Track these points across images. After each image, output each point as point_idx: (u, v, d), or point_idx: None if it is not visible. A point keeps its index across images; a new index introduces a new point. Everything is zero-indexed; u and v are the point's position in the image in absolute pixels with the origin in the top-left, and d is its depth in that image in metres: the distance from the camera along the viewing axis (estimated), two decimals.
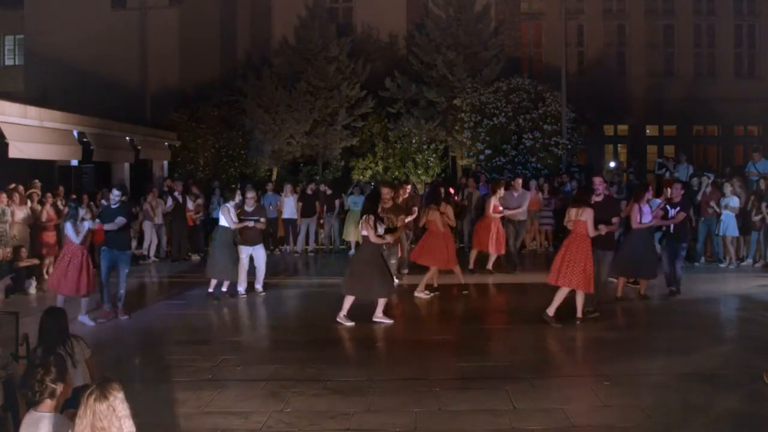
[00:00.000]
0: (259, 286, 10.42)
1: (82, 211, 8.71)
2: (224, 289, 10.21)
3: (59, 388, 3.33)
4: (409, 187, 11.64)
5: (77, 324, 8.30)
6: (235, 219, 10.08)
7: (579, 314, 8.14)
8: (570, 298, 8.15)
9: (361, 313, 8.89)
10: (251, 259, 10.38)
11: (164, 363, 7.11)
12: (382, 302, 8.44)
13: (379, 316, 8.42)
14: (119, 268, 8.99)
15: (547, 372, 6.46)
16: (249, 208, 10.28)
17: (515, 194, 12.27)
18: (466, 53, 19.92)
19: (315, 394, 5.86)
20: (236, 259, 10.17)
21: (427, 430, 5.10)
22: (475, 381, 6.15)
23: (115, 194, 9.09)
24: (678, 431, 5.02)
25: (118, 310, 8.98)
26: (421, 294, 9.91)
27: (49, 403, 3.30)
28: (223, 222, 10.18)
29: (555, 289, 8.13)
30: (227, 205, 10.31)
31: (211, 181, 17.10)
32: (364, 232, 8.32)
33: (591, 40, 22.52)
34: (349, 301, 8.36)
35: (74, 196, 9.78)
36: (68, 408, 3.46)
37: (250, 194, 10.35)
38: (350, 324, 8.31)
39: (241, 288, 10.25)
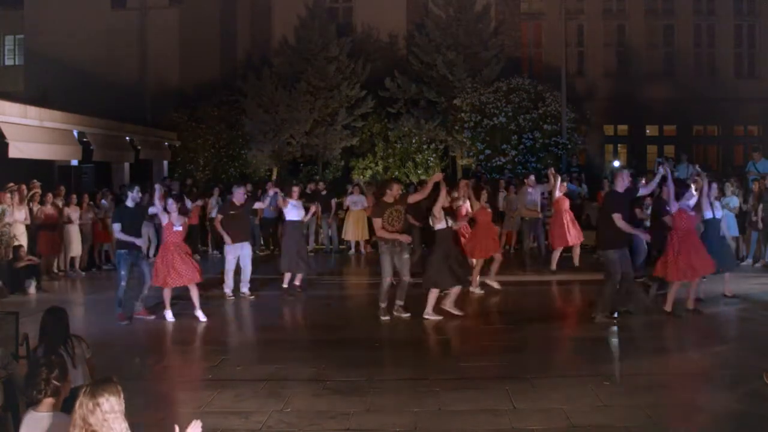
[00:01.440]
0: (245, 289, 10.14)
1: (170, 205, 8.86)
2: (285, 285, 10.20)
3: (62, 387, 3.36)
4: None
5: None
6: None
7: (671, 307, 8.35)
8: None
9: (361, 311, 8.93)
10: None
11: (164, 363, 7.15)
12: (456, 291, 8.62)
13: (449, 307, 8.63)
14: (142, 267, 8.96)
15: (547, 372, 6.46)
16: (238, 202, 10.28)
17: (530, 190, 12.22)
18: (466, 53, 19.94)
19: (315, 394, 5.87)
20: (306, 252, 10.41)
21: (427, 430, 5.10)
22: (475, 381, 6.15)
23: (136, 195, 9.02)
24: (677, 431, 5.03)
25: (143, 311, 8.90)
26: (494, 284, 10.16)
27: (49, 402, 3.31)
28: (291, 216, 10.20)
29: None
30: (290, 199, 10.31)
31: (210, 181, 17.12)
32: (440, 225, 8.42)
33: (591, 40, 22.53)
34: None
35: (173, 191, 10.07)
36: (67, 407, 3.44)
37: (240, 190, 10.50)
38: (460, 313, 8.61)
39: (228, 289, 10.11)
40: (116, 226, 8.96)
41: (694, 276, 8.33)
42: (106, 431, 2.92)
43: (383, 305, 8.59)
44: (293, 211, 10.26)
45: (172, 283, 8.58)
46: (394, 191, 8.47)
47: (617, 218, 8.06)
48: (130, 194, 9.08)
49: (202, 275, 8.86)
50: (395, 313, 8.58)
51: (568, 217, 11.53)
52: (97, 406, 2.92)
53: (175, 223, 8.71)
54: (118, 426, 2.96)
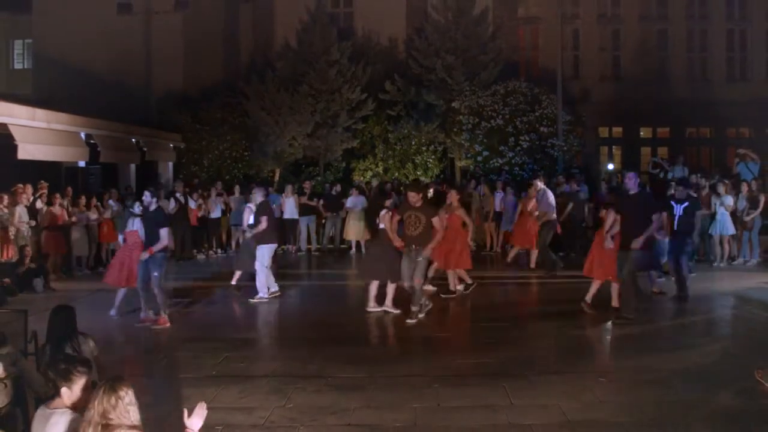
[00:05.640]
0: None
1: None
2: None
3: (75, 387, 3.45)
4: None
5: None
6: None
7: None
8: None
9: (361, 309, 9.08)
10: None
11: (169, 359, 7.22)
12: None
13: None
14: (151, 272, 8.76)
15: (544, 368, 6.56)
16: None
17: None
18: (464, 57, 20.17)
19: (316, 390, 5.95)
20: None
21: (427, 425, 5.16)
22: (473, 377, 6.26)
23: (148, 198, 8.77)
24: (672, 427, 5.08)
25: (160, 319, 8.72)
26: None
27: (60, 400, 3.44)
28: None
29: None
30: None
31: (215, 182, 17.37)
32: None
33: (586, 44, 22.76)
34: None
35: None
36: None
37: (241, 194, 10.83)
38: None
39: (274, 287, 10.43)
40: (165, 231, 8.78)
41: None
42: (126, 422, 3.12)
43: (420, 302, 8.62)
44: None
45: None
46: (411, 198, 8.57)
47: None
48: (144, 200, 8.91)
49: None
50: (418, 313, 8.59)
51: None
52: (119, 399, 3.13)
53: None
54: (136, 416, 3.20)
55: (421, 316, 8.61)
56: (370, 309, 9.01)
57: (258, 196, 10.48)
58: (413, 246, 8.41)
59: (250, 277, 10.59)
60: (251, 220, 10.42)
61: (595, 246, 9.01)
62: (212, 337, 8.09)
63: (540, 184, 12.31)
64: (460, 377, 6.28)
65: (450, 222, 9.68)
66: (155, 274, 8.66)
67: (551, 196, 12.22)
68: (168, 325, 8.58)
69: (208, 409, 5.23)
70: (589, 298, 8.87)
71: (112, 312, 9.09)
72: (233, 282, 10.91)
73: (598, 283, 8.88)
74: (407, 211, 8.48)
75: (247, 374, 6.51)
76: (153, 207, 8.80)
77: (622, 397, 5.76)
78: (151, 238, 8.70)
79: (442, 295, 10.04)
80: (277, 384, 6.13)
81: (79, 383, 3.45)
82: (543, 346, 7.53)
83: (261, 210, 10.23)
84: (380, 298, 9.05)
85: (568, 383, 6.04)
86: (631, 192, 8.46)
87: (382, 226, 9.01)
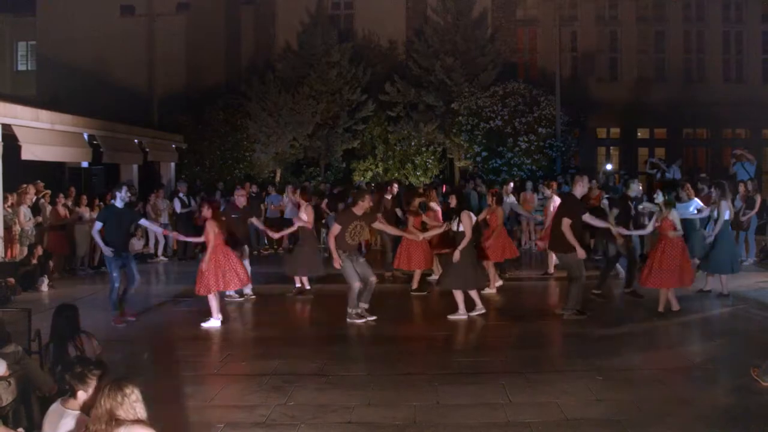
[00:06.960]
0: (248, 290, 10.15)
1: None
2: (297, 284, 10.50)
3: (90, 390, 3.56)
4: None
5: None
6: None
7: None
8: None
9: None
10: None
11: (172, 358, 7.18)
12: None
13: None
14: (130, 267, 8.77)
15: (542, 367, 6.57)
16: (240, 205, 10.38)
17: (506, 198, 12.40)
18: (463, 59, 20.39)
19: (317, 389, 5.95)
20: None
21: (426, 423, 5.15)
22: (472, 375, 6.26)
23: (125, 195, 8.69)
24: (668, 424, 5.09)
25: (126, 312, 8.71)
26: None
27: (75, 402, 3.56)
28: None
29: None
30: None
31: (216, 183, 17.53)
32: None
33: (584, 45, 22.98)
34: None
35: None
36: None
37: (241, 193, 10.60)
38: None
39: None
40: (97, 225, 8.77)
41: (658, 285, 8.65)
42: (131, 417, 3.21)
43: (354, 311, 8.46)
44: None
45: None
46: (365, 203, 8.42)
47: (565, 223, 8.31)
48: (118, 194, 8.71)
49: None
50: (356, 319, 8.44)
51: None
52: (126, 397, 3.21)
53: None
54: (143, 411, 3.32)
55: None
56: (453, 317, 8.79)
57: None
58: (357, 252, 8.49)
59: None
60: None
61: (658, 255, 8.57)
62: (214, 335, 8.14)
63: (509, 188, 12.45)
64: (460, 375, 6.31)
65: (490, 221, 10.21)
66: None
67: (508, 202, 12.31)
68: (121, 325, 8.50)
69: (211, 407, 5.47)
70: (661, 308, 8.60)
71: (218, 322, 8.55)
72: (307, 286, 10.61)
73: (665, 291, 8.61)
74: (353, 222, 8.40)
75: (249, 373, 6.54)
76: (122, 204, 8.74)
77: (620, 395, 5.78)
78: (121, 235, 8.72)
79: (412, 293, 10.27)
80: (278, 382, 6.14)
81: (93, 385, 3.58)
82: (540, 345, 7.60)
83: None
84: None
85: (566, 381, 6.06)
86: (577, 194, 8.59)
87: (460, 228, 8.58)
